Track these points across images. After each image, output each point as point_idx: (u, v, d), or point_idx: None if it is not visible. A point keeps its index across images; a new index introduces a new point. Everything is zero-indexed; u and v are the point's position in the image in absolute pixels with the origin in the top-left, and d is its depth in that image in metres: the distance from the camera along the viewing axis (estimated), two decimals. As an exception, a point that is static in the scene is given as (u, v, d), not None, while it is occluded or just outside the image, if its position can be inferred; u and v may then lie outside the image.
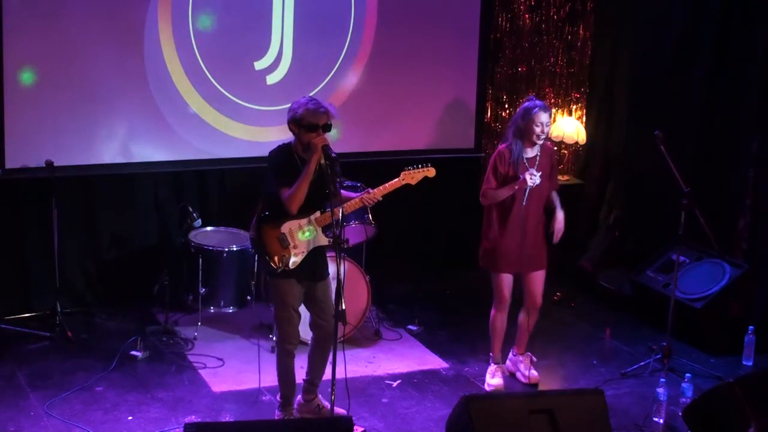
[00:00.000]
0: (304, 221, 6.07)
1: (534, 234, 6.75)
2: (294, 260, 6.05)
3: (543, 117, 6.55)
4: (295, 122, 5.99)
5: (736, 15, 8.21)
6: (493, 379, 6.99)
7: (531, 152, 6.68)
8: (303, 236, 6.06)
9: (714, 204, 7.88)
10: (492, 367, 7.03)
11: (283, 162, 6.02)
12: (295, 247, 6.05)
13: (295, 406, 6.39)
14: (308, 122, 5.93)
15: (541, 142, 6.63)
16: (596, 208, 9.21)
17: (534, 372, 7.02)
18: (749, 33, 8.12)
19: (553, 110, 9.13)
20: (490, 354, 7.04)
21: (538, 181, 6.54)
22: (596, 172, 9.23)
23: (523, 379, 7.02)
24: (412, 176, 6.26)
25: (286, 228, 6.05)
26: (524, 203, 6.64)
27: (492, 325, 6.94)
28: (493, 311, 6.92)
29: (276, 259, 6.03)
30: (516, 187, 6.58)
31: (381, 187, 6.21)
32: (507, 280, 6.82)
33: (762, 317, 7.80)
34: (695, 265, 7.97)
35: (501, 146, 6.75)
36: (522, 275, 6.86)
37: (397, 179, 6.24)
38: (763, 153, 8.05)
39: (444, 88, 8.63)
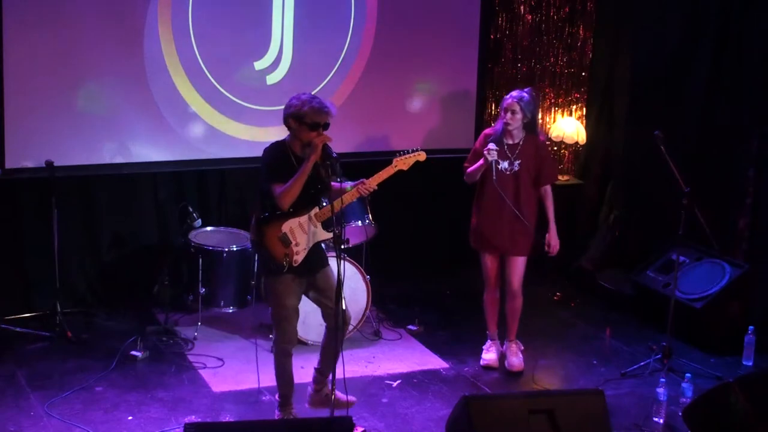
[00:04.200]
0: (303, 218, 6.07)
1: (513, 219, 6.88)
2: (296, 258, 6.05)
3: (510, 105, 6.83)
4: (295, 118, 5.95)
5: (735, 15, 8.21)
6: (488, 354, 7.24)
7: (512, 139, 6.90)
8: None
9: (714, 204, 7.88)
10: (487, 343, 7.29)
11: (278, 159, 6.00)
12: (296, 244, 6.05)
13: (308, 398, 6.40)
14: (312, 120, 5.91)
15: (511, 127, 6.85)
16: (596, 208, 9.21)
17: (514, 359, 7.13)
18: (749, 32, 8.13)
19: (554, 110, 9.14)
20: (487, 331, 7.27)
21: (494, 156, 6.76)
22: (596, 172, 9.23)
23: (507, 367, 7.14)
24: (404, 162, 6.26)
25: (287, 227, 6.04)
26: (495, 180, 6.79)
27: (484, 303, 7.23)
28: (484, 292, 7.19)
29: (280, 259, 6.03)
30: (481, 164, 6.82)
31: (375, 176, 6.19)
32: (489, 259, 7.06)
33: (762, 317, 7.80)
34: (695, 265, 7.97)
35: (487, 129, 7.11)
36: (504, 258, 7.06)
37: (389, 166, 6.24)
38: (763, 153, 8.05)
39: (444, 88, 8.64)
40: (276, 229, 6.03)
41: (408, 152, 6.28)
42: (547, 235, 7.01)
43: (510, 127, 6.85)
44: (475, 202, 7.07)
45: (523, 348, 7.21)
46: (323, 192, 6.02)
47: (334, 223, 5.88)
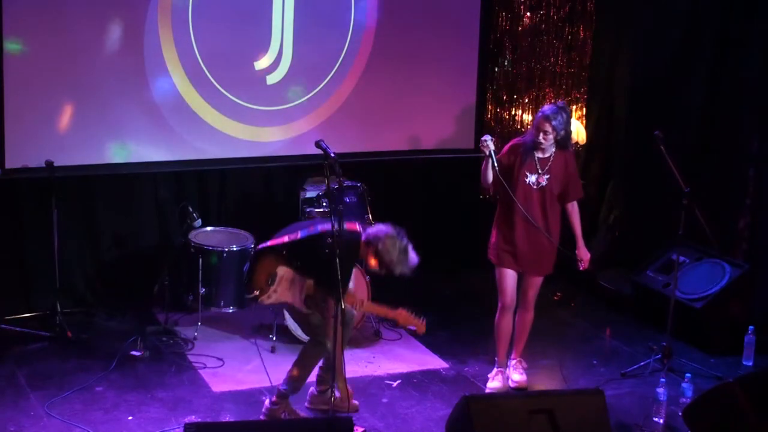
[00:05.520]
0: (306, 280, 6.15)
1: (539, 236, 6.74)
2: (263, 299, 6.12)
3: (542, 124, 6.64)
4: (376, 255, 6.07)
5: (735, 14, 8.22)
6: (493, 383, 7.00)
7: (543, 153, 6.73)
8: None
9: (714, 204, 7.88)
10: (494, 371, 7.04)
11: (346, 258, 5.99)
12: (275, 291, 6.11)
13: (308, 398, 6.43)
14: (387, 268, 6.10)
15: (543, 146, 6.67)
16: (596, 208, 9.20)
17: (518, 376, 6.99)
18: (749, 32, 8.13)
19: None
20: (495, 358, 7.06)
21: (491, 147, 6.57)
22: (596, 172, 9.23)
23: (510, 383, 7.00)
24: (405, 319, 6.31)
25: (282, 270, 6.11)
26: (495, 168, 6.58)
27: (497, 327, 6.95)
28: (498, 313, 6.92)
29: (255, 287, 6.10)
30: (486, 160, 6.61)
31: (378, 308, 6.40)
32: (507, 275, 6.83)
33: (762, 317, 7.80)
34: (695, 265, 7.97)
35: (516, 139, 6.90)
36: (522, 274, 6.88)
37: (393, 311, 6.32)
38: (763, 153, 8.06)
39: (444, 88, 8.63)
40: (272, 265, 6.09)
41: (414, 317, 6.31)
42: (577, 251, 6.87)
43: (542, 146, 6.67)
44: (497, 217, 6.87)
45: (526, 366, 7.08)
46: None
47: (332, 231, 5.87)
